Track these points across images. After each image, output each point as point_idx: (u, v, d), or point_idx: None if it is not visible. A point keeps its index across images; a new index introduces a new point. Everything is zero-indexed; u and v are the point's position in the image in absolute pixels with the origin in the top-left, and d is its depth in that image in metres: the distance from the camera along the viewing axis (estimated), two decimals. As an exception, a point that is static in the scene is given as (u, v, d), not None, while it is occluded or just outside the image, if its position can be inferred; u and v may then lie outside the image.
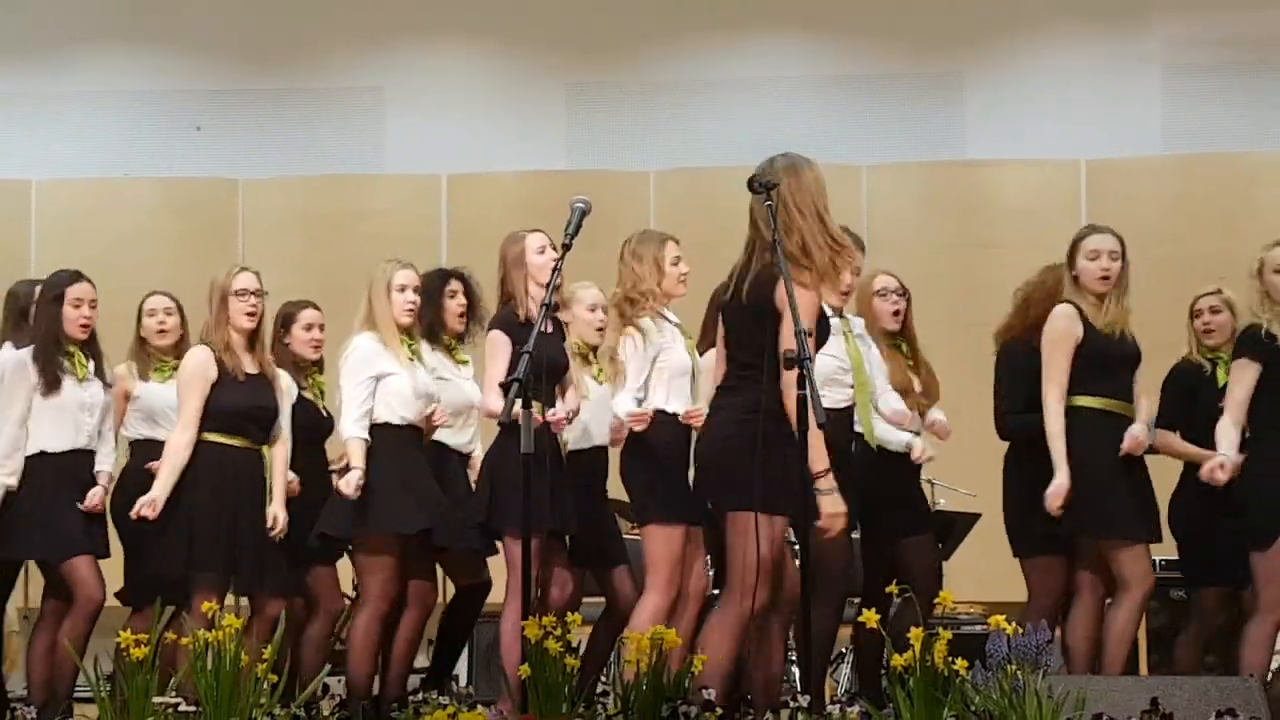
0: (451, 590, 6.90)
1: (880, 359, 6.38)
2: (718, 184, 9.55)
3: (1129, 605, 5.88)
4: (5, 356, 6.23)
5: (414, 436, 6.16)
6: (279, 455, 6.10)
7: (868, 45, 10.00)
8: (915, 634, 4.59)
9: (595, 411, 6.35)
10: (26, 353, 6.19)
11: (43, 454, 6.15)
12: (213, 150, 10.11)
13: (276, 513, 5.99)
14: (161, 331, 6.54)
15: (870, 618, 4.76)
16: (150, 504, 5.88)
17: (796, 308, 5.27)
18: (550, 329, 5.66)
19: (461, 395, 6.48)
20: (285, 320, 6.60)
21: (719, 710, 4.83)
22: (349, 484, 5.92)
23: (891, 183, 9.72)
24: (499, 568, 6.38)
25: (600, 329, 6.34)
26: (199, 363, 5.99)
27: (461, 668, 8.05)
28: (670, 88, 10.06)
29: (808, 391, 5.15)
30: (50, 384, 6.13)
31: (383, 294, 6.11)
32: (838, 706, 4.87)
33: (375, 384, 6.05)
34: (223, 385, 5.97)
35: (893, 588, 5.16)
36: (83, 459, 6.24)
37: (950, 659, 4.60)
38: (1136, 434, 5.95)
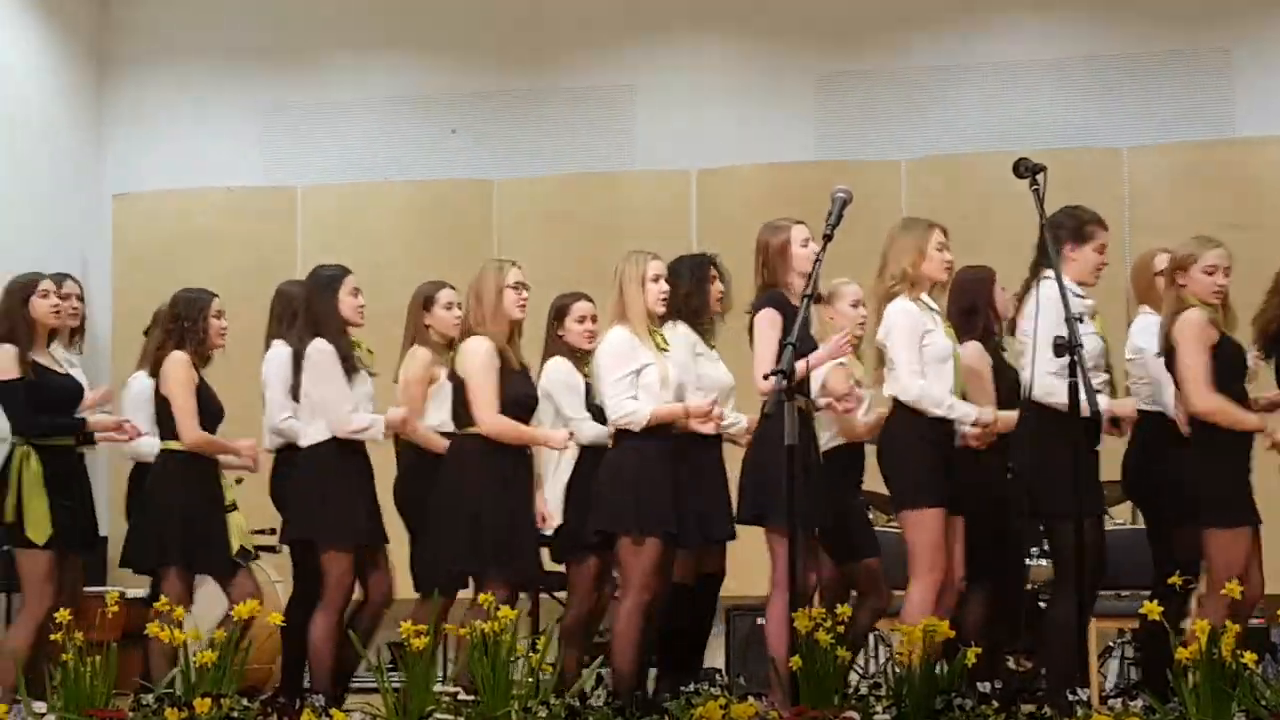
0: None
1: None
2: (971, 171, 9.44)
3: None
4: (312, 346, 6.34)
5: (664, 429, 6.18)
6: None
7: (1124, 24, 9.72)
8: (1200, 626, 4.48)
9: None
10: (323, 342, 6.31)
11: (332, 440, 6.31)
12: (468, 152, 10.29)
13: (542, 510, 6.06)
14: (456, 325, 6.70)
15: (1152, 609, 4.65)
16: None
17: (1066, 294, 5.22)
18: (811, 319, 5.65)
19: (723, 378, 6.49)
20: (559, 312, 6.71)
21: (995, 703, 4.78)
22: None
23: (1154, 164, 9.43)
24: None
25: (862, 323, 6.35)
26: (490, 352, 6.10)
27: (718, 659, 8.10)
28: (921, 74, 9.92)
29: (1079, 379, 5.10)
30: (350, 370, 6.29)
31: (636, 285, 6.16)
32: (1120, 700, 4.77)
33: (636, 376, 6.10)
34: (504, 376, 6.09)
35: (1175, 579, 5.04)
36: (360, 446, 6.39)
37: (1238, 652, 4.47)
38: None
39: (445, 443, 6.41)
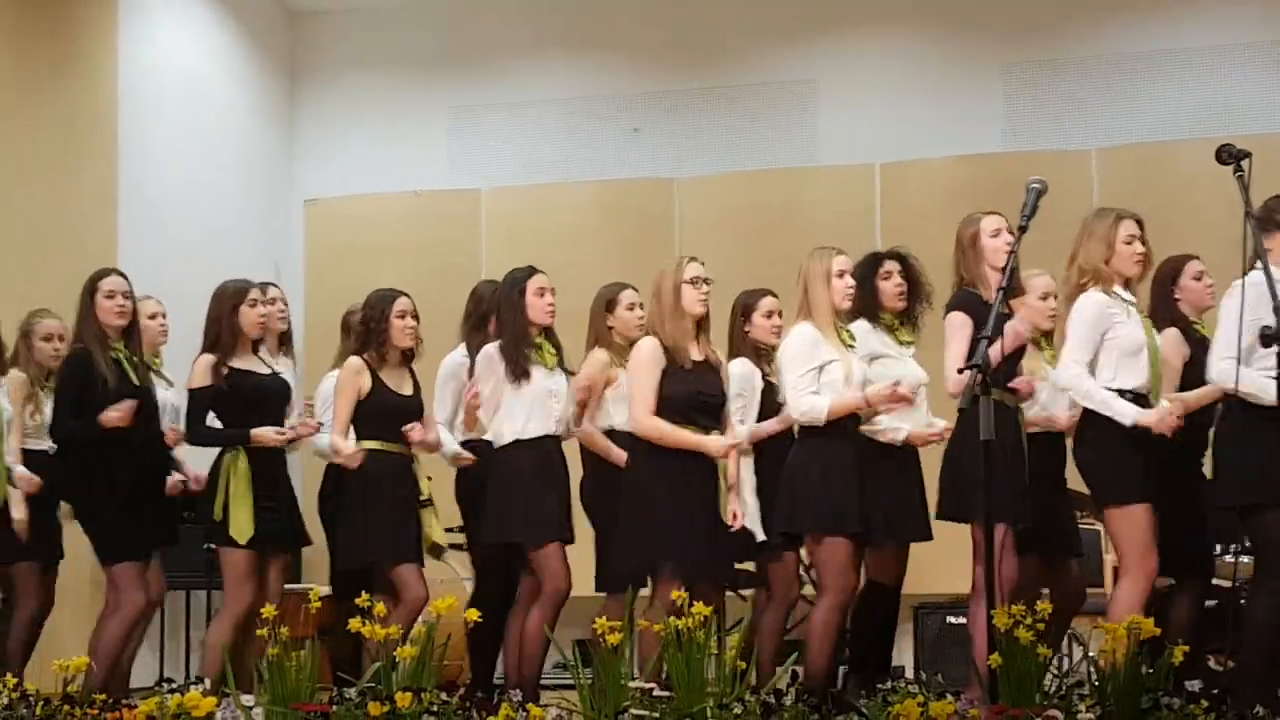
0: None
1: None
2: (1165, 159, 9.22)
3: None
4: (484, 351, 6.51)
5: (849, 427, 6.12)
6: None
7: (1323, 5, 9.45)
8: None
9: (1050, 397, 6.26)
10: (494, 346, 6.47)
11: (518, 442, 6.39)
12: (649, 151, 10.32)
13: (734, 509, 6.03)
14: (640, 325, 6.72)
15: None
16: None
17: (1275, 284, 5.07)
18: (1007, 312, 5.57)
19: (911, 374, 6.41)
20: (745, 309, 6.71)
21: (1204, 703, 4.66)
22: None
23: (1359, 149, 9.11)
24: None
25: (1053, 316, 6.24)
26: (653, 351, 6.10)
27: (905, 656, 8.03)
28: (1109, 62, 9.71)
29: (1287, 371, 4.95)
30: (519, 374, 6.37)
31: (821, 281, 6.10)
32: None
33: (819, 373, 6.05)
34: (670, 375, 6.02)
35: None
36: (552, 444, 6.46)
37: None
38: None
39: (609, 444, 6.44)
